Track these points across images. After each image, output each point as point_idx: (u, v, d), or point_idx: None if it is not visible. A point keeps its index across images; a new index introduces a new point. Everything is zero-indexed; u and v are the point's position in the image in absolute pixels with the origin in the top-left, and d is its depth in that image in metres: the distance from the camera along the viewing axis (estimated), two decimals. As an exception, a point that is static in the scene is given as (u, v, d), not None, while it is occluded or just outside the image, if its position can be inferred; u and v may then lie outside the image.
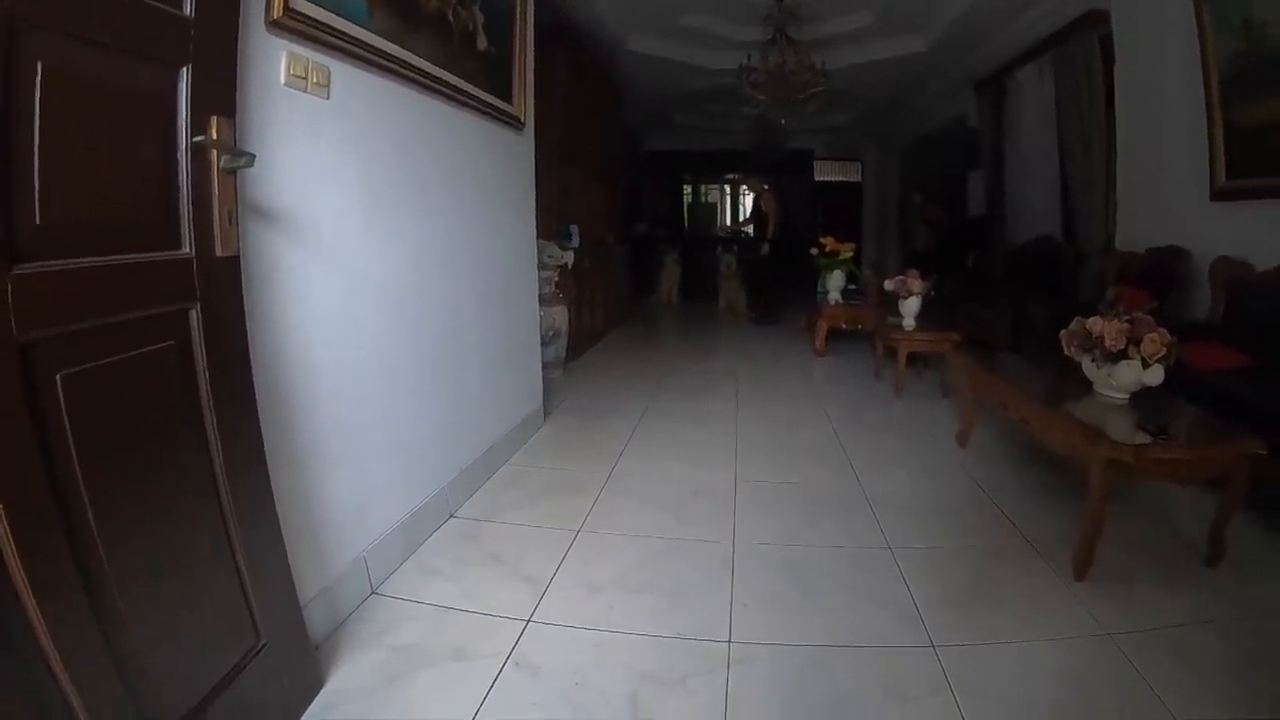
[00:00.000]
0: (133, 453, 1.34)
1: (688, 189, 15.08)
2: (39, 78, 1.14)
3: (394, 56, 2.52)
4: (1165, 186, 4.97)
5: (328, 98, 2.18)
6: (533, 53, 3.97)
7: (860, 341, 6.96)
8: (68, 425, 1.17)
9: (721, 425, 4.48)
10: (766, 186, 9.27)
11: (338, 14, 2.19)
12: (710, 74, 8.20)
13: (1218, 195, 4.44)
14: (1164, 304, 4.37)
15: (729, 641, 2.18)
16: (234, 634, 1.64)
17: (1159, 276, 4.64)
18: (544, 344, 4.78)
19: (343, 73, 2.26)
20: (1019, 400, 3.17)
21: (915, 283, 5.11)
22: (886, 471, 3.63)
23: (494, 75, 3.50)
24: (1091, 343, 2.81)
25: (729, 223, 14.74)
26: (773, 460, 3.83)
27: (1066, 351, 2.95)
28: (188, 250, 1.45)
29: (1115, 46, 5.52)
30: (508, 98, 3.68)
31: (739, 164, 13.81)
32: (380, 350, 2.56)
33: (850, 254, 6.81)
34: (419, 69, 2.72)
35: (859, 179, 14.09)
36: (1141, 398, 2.86)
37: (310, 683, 1.93)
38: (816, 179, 14.20)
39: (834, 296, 6.85)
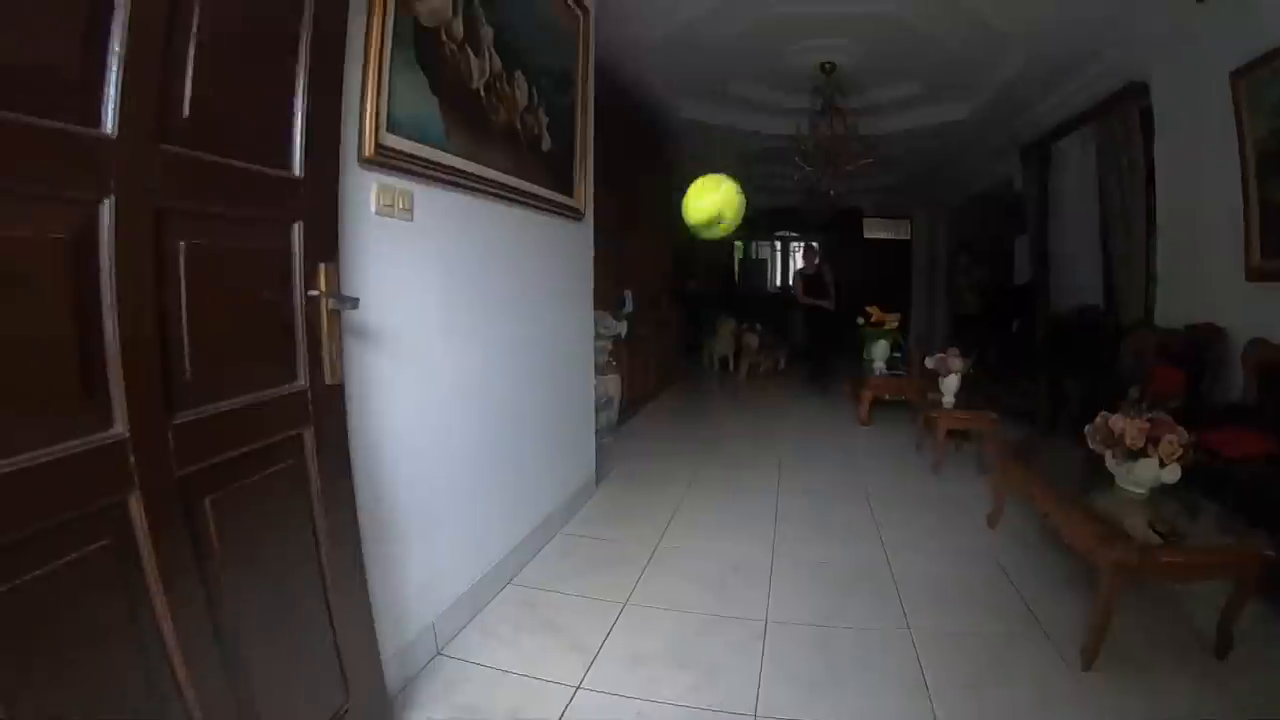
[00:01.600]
0: (261, 549, 1.62)
1: (739, 245, 15.26)
2: (182, 255, 1.41)
3: (469, 173, 2.81)
4: (1203, 263, 5.00)
5: (411, 219, 2.47)
6: (593, 145, 4.27)
7: (903, 410, 6.98)
8: (214, 535, 1.45)
9: (762, 499, 4.62)
10: (817, 261, 9.42)
11: (420, 141, 2.49)
12: (761, 138, 8.46)
13: (1252, 274, 4.49)
14: (1199, 384, 4.43)
15: (755, 717, 2.36)
16: (328, 693, 1.89)
17: (1195, 355, 4.66)
18: (596, 410, 5.02)
19: (424, 194, 2.55)
20: (1043, 492, 3.26)
21: (955, 361, 5.23)
22: (917, 550, 3.74)
23: (557, 172, 3.80)
24: (1114, 439, 2.91)
25: (782, 283, 14.84)
26: (809, 536, 3.97)
27: (1090, 445, 3.05)
28: (303, 382, 1.74)
29: (1155, 121, 5.59)
30: (569, 191, 3.97)
31: (790, 221, 14.01)
32: (450, 438, 2.82)
33: (895, 324, 6.94)
34: (490, 180, 3.01)
35: (908, 236, 14.15)
36: (1162, 491, 2.92)
37: (385, 739, 2.17)
38: (866, 236, 14.31)
39: (878, 366, 6.98)
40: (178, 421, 1.36)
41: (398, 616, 2.44)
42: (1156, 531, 2.61)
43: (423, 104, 2.53)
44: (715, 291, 13.01)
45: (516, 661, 2.67)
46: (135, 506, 1.26)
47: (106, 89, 1.21)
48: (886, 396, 6.85)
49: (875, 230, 14.41)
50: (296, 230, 1.73)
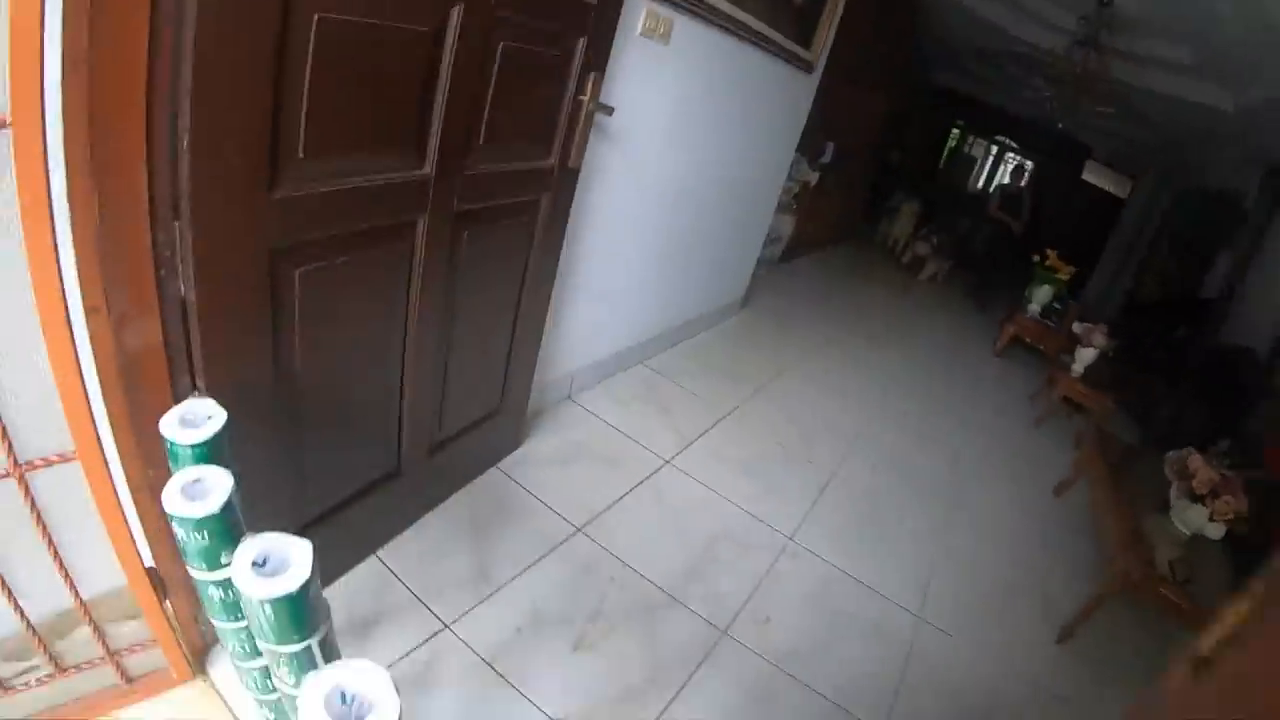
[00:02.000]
0: (486, 276, 2.10)
1: (955, 133, 14.25)
2: (499, 53, 1.77)
3: (724, 13, 3.02)
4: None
5: (667, 44, 2.75)
6: (843, 5, 4.34)
7: (1037, 358, 6.83)
8: (462, 257, 1.93)
9: (876, 381, 4.91)
10: (1024, 182, 8.98)
11: (686, -28, 2.76)
12: (1007, 37, 7.91)
13: None
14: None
15: (790, 539, 2.84)
16: (488, 396, 2.45)
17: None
18: (763, 243, 5.34)
19: (681, 23, 2.78)
20: (1104, 488, 3.35)
21: (1099, 338, 5.13)
22: (983, 482, 3.96)
23: (801, 24, 3.91)
24: (1185, 475, 2.95)
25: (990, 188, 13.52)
26: (900, 430, 4.23)
27: (1167, 472, 3.08)
28: (553, 161, 2.16)
29: None
30: (808, 45, 4.07)
31: (1013, 129, 13.00)
32: (636, 229, 3.22)
33: (1068, 276, 6.73)
34: (740, 22, 3.18)
35: (1124, 196, 12.44)
36: (1203, 541, 2.93)
37: (514, 442, 2.76)
38: (1083, 177, 13.01)
39: (1034, 309, 6.80)
40: (465, 173, 1.80)
41: (548, 357, 2.94)
42: (1171, 568, 2.72)
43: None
44: (915, 171, 12.43)
45: (626, 424, 3.21)
46: (421, 225, 1.72)
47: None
48: (1027, 339, 6.73)
49: (1094, 176, 13.03)
50: (581, 44, 2.06)
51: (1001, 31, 7.72)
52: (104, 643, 1.55)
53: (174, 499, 1.06)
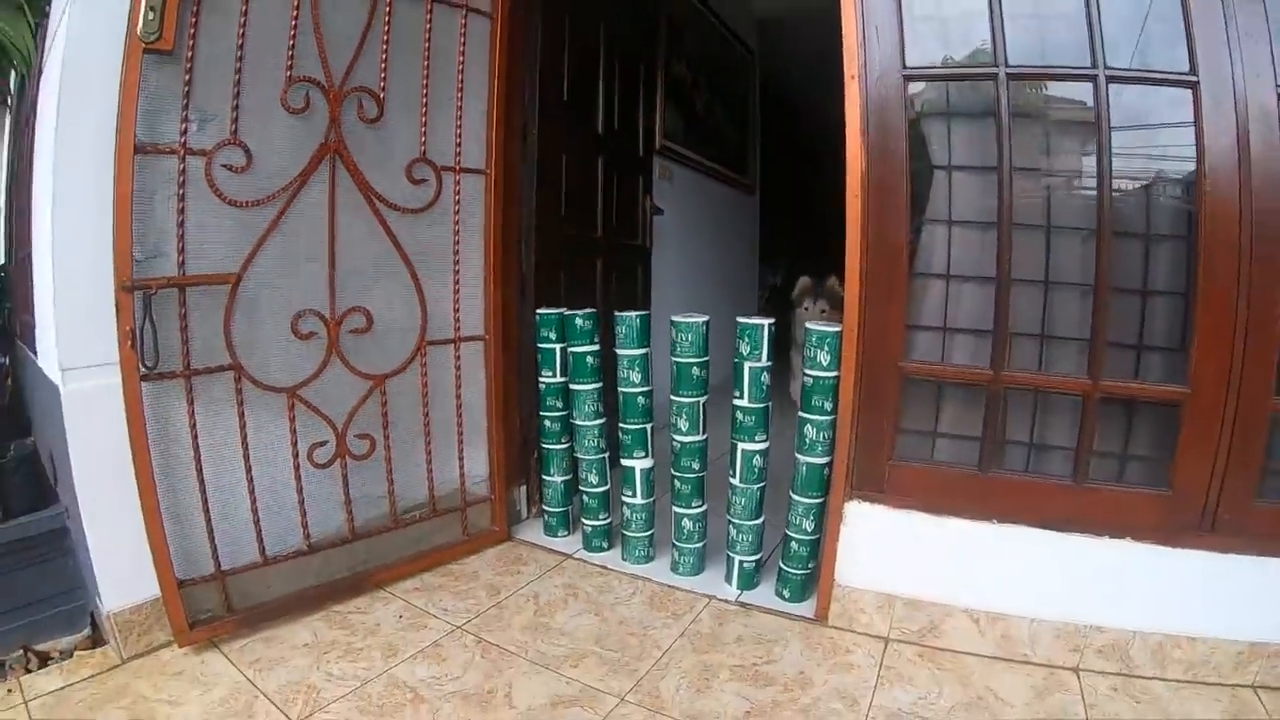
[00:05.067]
0: (622, 297, 3.80)
1: None
2: (615, 184, 3.66)
3: (694, 159, 4.99)
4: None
5: (670, 183, 4.65)
6: (759, 141, 6.41)
7: None
8: (614, 283, 3.71)
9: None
10: None
11: (674, 142, 4.68)
12: None
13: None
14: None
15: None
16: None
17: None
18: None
19: (675, 170, 4.72)
20: None
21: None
22: None
23: (737, 159, 5.97)
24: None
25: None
26: None
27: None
28: (641, 242, 4.00)
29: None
30: (744, 173, 6.13)
31: None
32: (684, 302, 4.97)
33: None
34: (704, 163, 5.17)
35: None
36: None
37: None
38: None
39: None
40: (610, 240, 3.63)
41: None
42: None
43: (676, 122, 4.73)
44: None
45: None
46: (599, 263, 3.55)
47: (594, 119, 3.50)
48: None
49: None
50: (640, 179, 3.98)
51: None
52: (464, 496, 2.74)
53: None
